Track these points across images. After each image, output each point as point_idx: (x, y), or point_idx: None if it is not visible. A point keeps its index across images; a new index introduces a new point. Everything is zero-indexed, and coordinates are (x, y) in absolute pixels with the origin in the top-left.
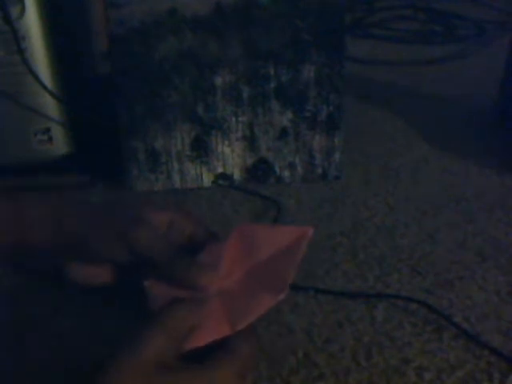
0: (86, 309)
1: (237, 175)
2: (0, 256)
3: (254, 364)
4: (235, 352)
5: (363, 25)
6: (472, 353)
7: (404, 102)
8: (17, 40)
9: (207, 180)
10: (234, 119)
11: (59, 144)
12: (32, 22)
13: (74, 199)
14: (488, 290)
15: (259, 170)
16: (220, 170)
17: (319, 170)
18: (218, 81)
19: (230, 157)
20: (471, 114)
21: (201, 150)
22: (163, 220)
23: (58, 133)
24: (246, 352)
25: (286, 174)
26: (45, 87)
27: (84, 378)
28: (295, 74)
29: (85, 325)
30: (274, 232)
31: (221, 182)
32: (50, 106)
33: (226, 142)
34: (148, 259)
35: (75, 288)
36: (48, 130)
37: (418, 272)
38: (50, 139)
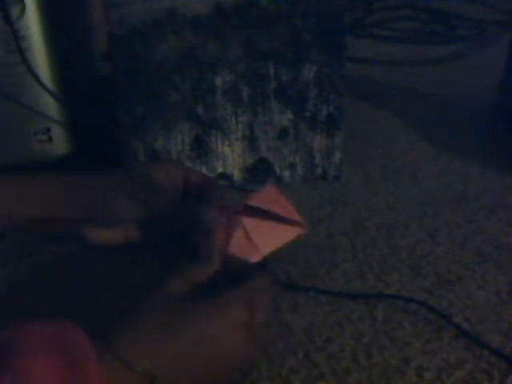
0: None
1: (237, 175)
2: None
3: (267, 300)
4: (244, 286)
5: (363, 25)
6: (472, 353)
7: (404, 101)
8: (17, 40)
9: None
10: (233, 119)
11: (59, 144)
12: (32, 22)
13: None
14: (488, 290)
15: (259, 170)
16: (220, 169)
17: (319, 170)
18: (218, 81)
19: (230, 157)
20: (471, 114)
21: (201, 149)
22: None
23: (57, 133)
24: (255, 287)
25: (286, 173)
26: (45, 87)
27: None
28: (295, 74)
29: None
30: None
31: (221, 182)
32: (50, 106)
33: (226, 142)
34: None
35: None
36: (48, 130)
37: (418, 272)
38: (50, 139)
